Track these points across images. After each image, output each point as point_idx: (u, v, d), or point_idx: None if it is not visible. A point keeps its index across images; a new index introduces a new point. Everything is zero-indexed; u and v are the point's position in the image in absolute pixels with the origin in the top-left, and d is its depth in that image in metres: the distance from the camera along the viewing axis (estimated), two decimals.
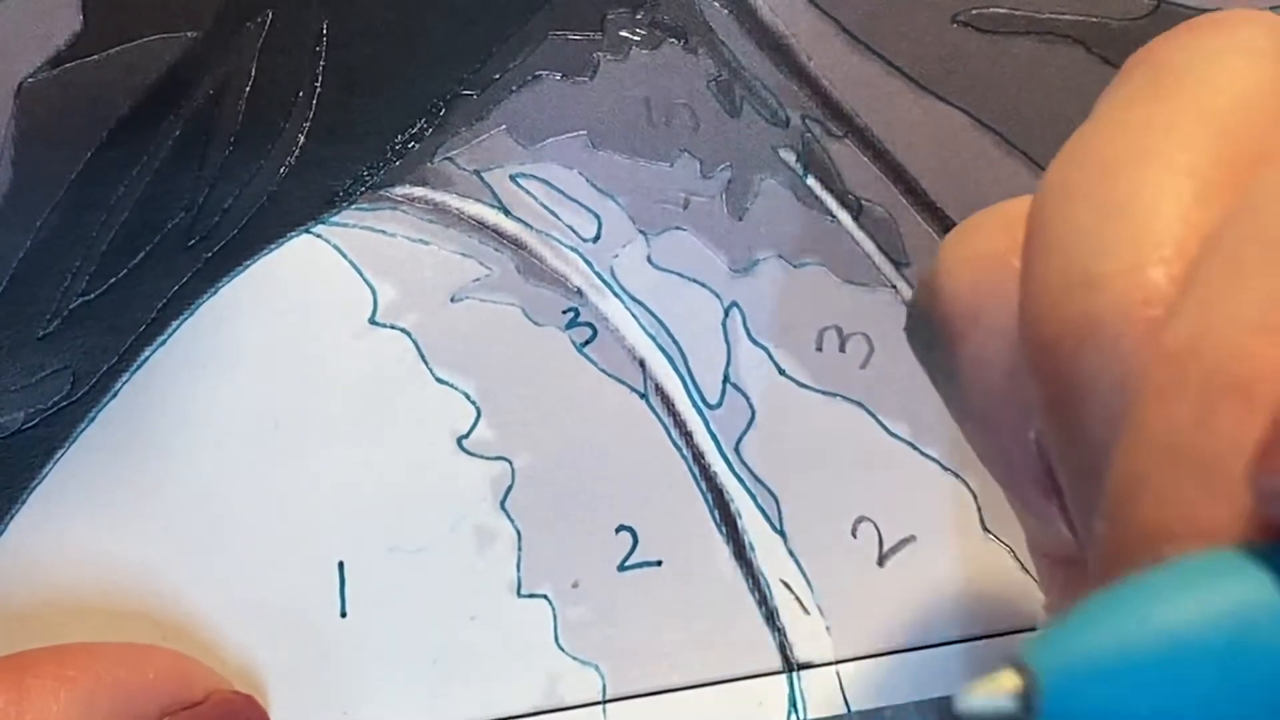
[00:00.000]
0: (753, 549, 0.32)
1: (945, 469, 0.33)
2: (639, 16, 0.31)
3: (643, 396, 0.32)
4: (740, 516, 0.32)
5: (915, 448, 0.33)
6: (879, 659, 0.33)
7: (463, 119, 0.31)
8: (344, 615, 0.30)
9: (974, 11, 0.32)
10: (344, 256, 0.30)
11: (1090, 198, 0.18)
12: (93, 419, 0.29)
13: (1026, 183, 0.33)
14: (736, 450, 0.32)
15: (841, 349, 0.32)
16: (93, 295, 0.29)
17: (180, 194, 0.29)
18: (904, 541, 0.33)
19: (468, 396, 0.31)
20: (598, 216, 0.31)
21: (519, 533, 0.31)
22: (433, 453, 0.31)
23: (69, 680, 0.26)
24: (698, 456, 0.32)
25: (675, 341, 0.32)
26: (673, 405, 0.32)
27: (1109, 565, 0.16)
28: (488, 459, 0.31)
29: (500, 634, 0.31)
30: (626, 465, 0.31)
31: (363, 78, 0.30)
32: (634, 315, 0.32)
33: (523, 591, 0.31)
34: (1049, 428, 0.19)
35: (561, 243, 0.31)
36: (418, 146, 0.30)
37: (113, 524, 0.29)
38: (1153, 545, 0.15)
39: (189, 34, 0.29)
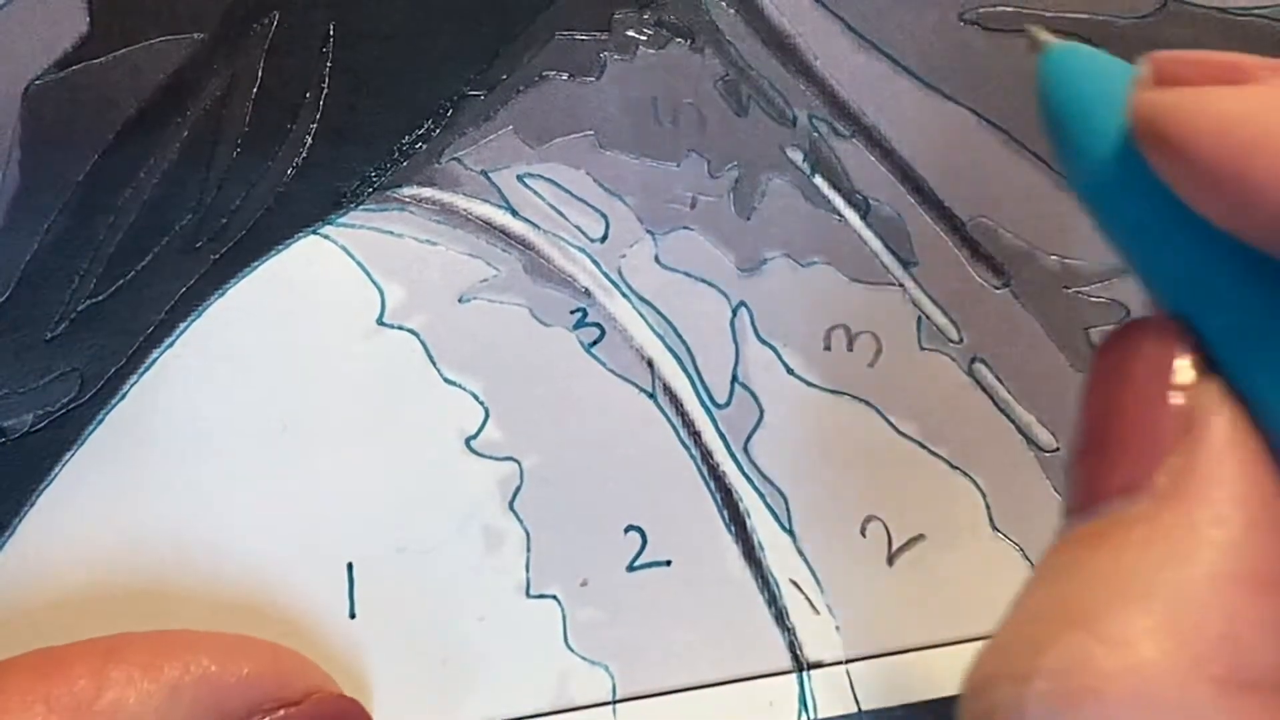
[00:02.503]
0: (762, 548, 0.32)
1: (954, 467, 0.33)
2: (646, 16, 0.31)
3: (651, 396, 0.32)
4: (749, 516, 0.32)
5: (924, 446, 0.33)
6: (890, 658, 0.33)
7: (470, 120, 0.31)
8: (353, 616, 0.30)
9: (980, 10, 0.32)
10: (351, 258, 0.30)
11: None
12: (101, 421, 0.29)
13: (1033, 180, 0.33)
14: (745, 450, 0.32)
15: (849, 348, 0.32)
16: (101, 297, 0.29)
17: (187, 196, 0.29)
18: (913, 540, 0.33)
19: (476, 397, 0.31)
20: (605, 216, 0.31)
21: (528, 533, 0.31)
22: (441, 453, 0.31)
23: (153, 670, 0.25)
24: (706, 456, 0.32)
25: (683, 341, 0.32)
26: (681, 405, 0.32)
27: None
28: (496, 459, 0.31)
29: (510, 635, 0.31)
30: (635, 465, 0.31)
31: (369, 79, 0.30)
32: (642, 315, 0.32)
33: (532, 592, 0.31)
34: None
35: (569, 243, 0.31)
36: (425, 147, 0.30)
37: (121, 525, 0.29)
38: None
39: (196, 36, 0.29)
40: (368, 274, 0.30)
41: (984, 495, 0.33)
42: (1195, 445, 0.19)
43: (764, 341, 0.32)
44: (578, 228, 0.31)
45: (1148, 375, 0.20)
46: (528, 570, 0.31)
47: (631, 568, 0.32)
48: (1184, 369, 0.20)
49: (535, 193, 0.31)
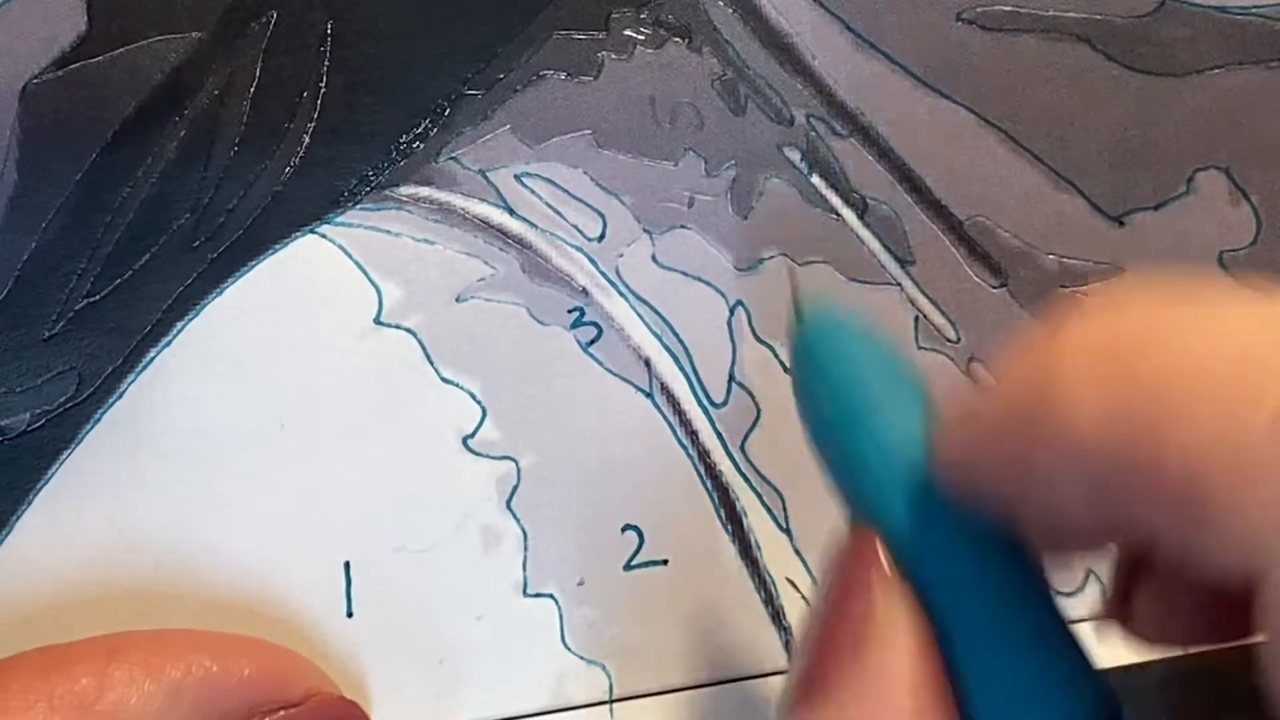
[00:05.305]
0: (759, 547, 0.32)
1: None
2: (643, 16, 0.31)
3: (648, 396, 0.32)
4: (746, 515, 0.32)
5: None
6: None
7: (467, 119, 0.31)
8: (350, 615, 0.30)
9: (978, 9, 0.32)
10: (349, 257, 0.30)
11: None
12: (98, 420, 0.29)
13: (1031, 180, 0.33)
14: (742, 449, 0.32)
15: None
16: (98, 296, 0.29)
17: (185, 195, 0.29)
18: None
19: (473, 396, 0.31)
20: (603, 216, 0.31)
21: (525, 532, 0.31)
22: (438, 453, 0.31)
23: (155, 669, 0.25)
24: (703, 455, 0.32)
25: (680, 340, 0.32)
26: (678, 404, 0.32)
27: None
28: (493, 459, 0.31)
29: (507, 634, 0.31)
30: (632, 464, 0.31)
31: (367, 78, 0.30)
32: (639, 314, 0.32)
33: (529, 591, 0.31)
34: None
35: (566, 242, 0.31)
36: (422, 146, 0.30)
37: (119, 525, 0.29)
38: None
39: (193, 35, 0.29)
40: (365, 273, 0.30)
41: None
42: (868, 655, 0.21)
43: (761, 341, 0.32)
44: (575, 227, 0.31)
45: (844, 583, 0.22)
46: (525, 569, 0.31)
47: (628, 567, 0.32)
48: (874, 580, 0.21)
49: (533, 192, 0.31)
